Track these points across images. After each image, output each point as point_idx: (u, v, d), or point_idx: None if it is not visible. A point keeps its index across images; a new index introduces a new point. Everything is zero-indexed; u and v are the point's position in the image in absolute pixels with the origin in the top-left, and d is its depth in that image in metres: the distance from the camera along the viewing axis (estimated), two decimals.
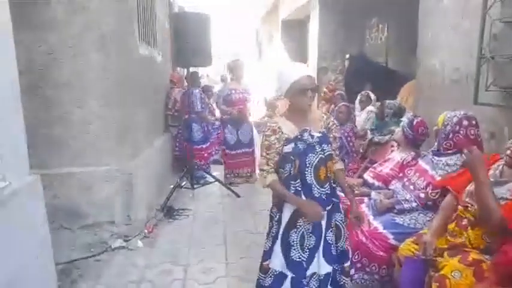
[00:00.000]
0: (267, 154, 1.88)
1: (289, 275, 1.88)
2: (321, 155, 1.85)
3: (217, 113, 5.67)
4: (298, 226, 1.89)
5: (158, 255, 3.06)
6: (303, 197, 1.86)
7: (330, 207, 1.91)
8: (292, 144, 1.84)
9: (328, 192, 1.90)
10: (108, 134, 3.11)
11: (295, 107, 1.89)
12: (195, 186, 4.69)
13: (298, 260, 1.88)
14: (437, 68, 2.88)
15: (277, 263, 1.92)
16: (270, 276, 1.93)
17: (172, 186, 4.40)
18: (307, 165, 1.84)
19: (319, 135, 1.88)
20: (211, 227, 3.66)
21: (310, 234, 1.89)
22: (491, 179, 1.79)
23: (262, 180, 1.92)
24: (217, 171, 5.30)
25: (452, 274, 1.69)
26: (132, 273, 2.79)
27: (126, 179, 3.18)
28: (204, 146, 5.13)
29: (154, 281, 2.69)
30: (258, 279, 2.06)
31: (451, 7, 2.72)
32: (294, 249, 1.88)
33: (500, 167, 1.87)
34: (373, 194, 2.60)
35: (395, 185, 2.55)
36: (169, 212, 3.92)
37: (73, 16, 2.90)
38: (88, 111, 3.04)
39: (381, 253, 2.22)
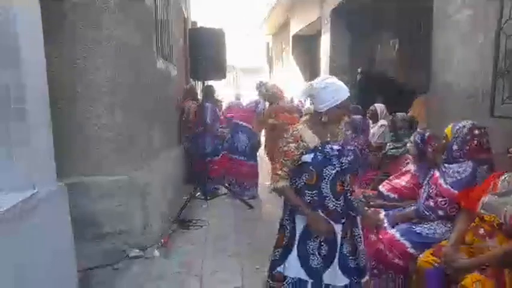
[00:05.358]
0: (284, 160, 1.90)
1: (310, 280, 1.90)
2: (338, 168, 1.88)
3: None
4: (314, 234, 1.91)
5: (174, 265, 3.09)
6: (318, 209, 1.88)
7: (345, 219, 1.93)
8: (312, 155, 1.87)
9: (344, 204, 1.92)
10: (126, 145, 3.17)
11: (329, 119, 1.90)
12: (208, 197, 4.73)
13: (316, 266, 1.91)
14: (451, 82, 2.91)
15: (295, 271, 1.93)
16: (289, 284, 1.95)
17: (185, 197, 4.45)
18: (324, 177, 1.87)
19: (339, 148, 1.92)
20: (225, 237, 3.68)
21: (324, 244, 1.91)
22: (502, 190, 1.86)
23: (274, 183, 1.92)
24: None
25: (474, 286, 1.70)
26: (149, 281, 2.82)
27: (142, 189, 3.23)
28: (214, 159, 5.18)
29: None
30: None
31: (465, 21, 2.75)
32: (313, 257, 1.90)
33: (507, 178, 1.90)
34: None
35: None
36: (183, 222, 3.96)
37: (90, 30, 2.95)
38: (106, 122, 3.09)
39: (398, 261, 2.22)
